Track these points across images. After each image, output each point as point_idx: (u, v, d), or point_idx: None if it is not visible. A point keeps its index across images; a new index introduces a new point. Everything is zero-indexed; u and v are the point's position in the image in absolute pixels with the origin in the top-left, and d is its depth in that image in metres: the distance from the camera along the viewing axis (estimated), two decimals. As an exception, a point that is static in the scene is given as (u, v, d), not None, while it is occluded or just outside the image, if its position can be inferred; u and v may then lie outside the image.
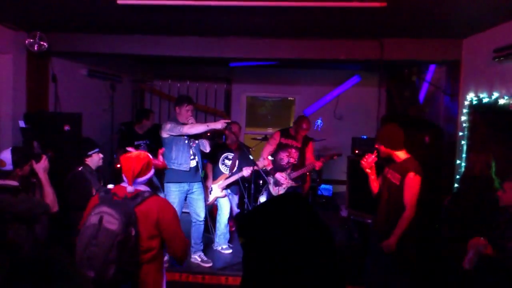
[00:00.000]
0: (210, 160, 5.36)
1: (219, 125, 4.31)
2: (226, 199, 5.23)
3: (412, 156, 3.38)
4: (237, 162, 5.23)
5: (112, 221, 2.23)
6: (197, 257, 4.72)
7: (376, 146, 3.43)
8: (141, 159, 2.52)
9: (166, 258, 4.62)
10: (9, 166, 2.82)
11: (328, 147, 7.44)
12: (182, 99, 4.63)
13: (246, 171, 4.91)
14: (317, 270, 1.05)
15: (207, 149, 4.72)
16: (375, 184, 3.56)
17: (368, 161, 3.45)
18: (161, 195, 5.27)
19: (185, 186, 4.54)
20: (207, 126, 4.35)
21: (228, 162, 5.26)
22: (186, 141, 4.50)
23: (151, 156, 2.64)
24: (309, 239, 1.07)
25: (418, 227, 3.36)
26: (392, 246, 3.24)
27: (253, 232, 1.12)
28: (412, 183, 3.23)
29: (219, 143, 5.40)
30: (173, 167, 4.46)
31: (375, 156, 3.43)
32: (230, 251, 5.18)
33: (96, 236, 2.21)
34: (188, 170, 4.48)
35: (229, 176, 5.16)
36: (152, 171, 2.59)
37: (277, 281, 1.04)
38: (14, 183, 2.77)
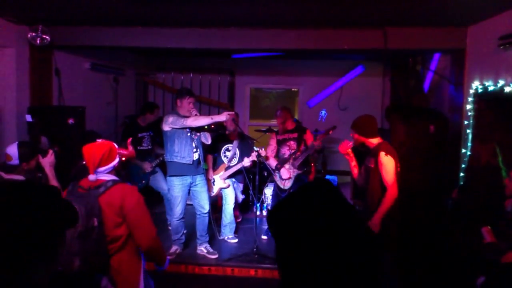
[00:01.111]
0: (211, 152, 5.36)
1: (223, 117, 4.31)
2: (231, 189, 5.25)
3: (386, 142, 3.50)
4: (237, 151, 5.24)
5: None
6: (203, 249, 4.74)
7: (351, 135, 3.59)
8: (102, 148, 2.48)
9: (172, 250, 4.66)
10: (15, 161, 2.82)
11: (332, 138, 7.41)
12: (183, 91, 4.61)
13: (246, 162, 4.97)
14: (349, 255, 1.05)
15: (209, 141, 4.72)
16: (355, 171, 3.68)
17: (344, 146, 3.56)
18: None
19: (188, 179, 4.54)
20: (211, 118, 4.33)
21: (229, 154, 5.27)
22: (189, 134, 4.48)
23: (116, 145, 2.60)
24: (339, 225, 1.07)
25: (400, 208, 3.41)
26: (376, 226, 3.25)
27: (282, 220, 1.13)
28: (384, 162, 3.32)
29: (220, 135, 5.39)
30: (175, 160, 4.45)
31: (351, 143, 3.56)
32: (236, 240, 5.21)
33: None
34: (190, 163, 4.48)
35: (229, 167, 5.18)
36: (116, 160, 2.55)
37: (310, 267, 1.04)
38: (20, 177, 2.78)
